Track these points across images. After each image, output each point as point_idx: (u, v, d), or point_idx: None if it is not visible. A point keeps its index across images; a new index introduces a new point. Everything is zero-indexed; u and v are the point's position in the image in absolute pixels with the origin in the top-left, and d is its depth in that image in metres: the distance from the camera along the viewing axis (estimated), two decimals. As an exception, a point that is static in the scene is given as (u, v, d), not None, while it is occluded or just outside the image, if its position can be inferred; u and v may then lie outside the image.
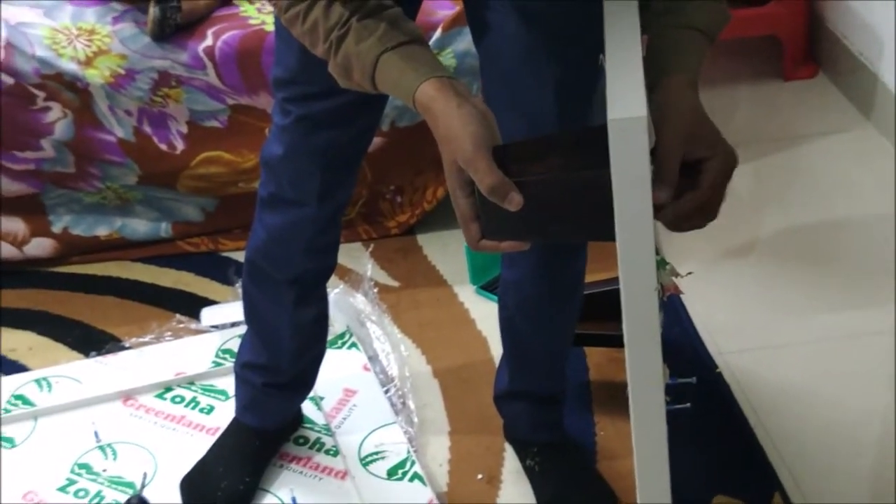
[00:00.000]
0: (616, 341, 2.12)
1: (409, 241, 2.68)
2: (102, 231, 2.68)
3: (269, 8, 2.54)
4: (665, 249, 2.57)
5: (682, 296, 2.39)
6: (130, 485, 2.03)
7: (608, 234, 1.12)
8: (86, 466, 2.08)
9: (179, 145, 2.58)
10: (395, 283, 2.55)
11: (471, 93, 1.24)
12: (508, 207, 1.17)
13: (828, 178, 2.87)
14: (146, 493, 2.01)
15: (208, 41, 2.49)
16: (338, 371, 2.24)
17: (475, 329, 2.39)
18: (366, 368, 2.26)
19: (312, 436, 2.10)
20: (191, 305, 2.49)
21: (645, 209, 1.09)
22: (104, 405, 2.21)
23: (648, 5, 1.31)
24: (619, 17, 1.25)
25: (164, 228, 2.70)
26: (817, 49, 3.31)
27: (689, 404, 1.31)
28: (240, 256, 2.54)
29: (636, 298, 1.12)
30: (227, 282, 2.54)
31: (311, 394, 2.12)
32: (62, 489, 2.03)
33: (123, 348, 2.38)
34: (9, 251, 2.63)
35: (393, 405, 2.17)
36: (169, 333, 2.41)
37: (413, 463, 2.03)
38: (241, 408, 2.01)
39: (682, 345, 2.29)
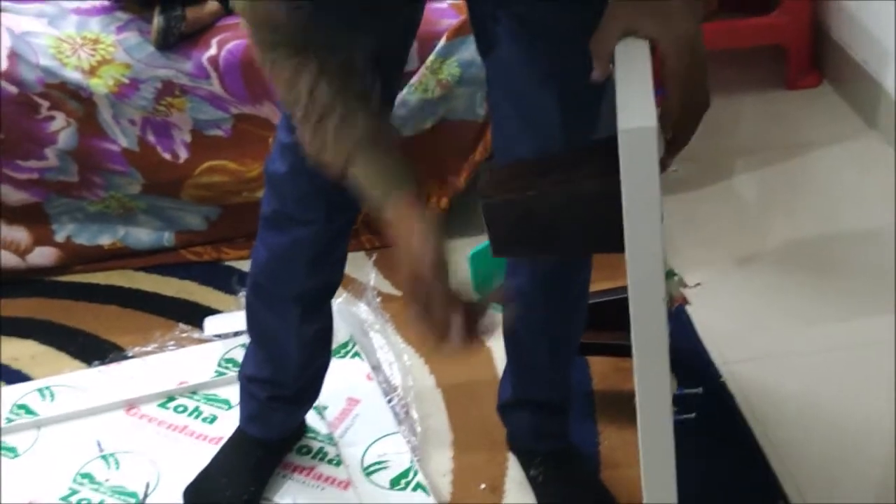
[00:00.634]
0: (621, 351, 2.13)
1: (412, 251, 2.67)
2: (105, 240, 2.68)
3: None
4: (670, 258, 2.57)
5: (689, 306, 2.39)
6: (133, 494, 2.03)
7: (616, 246, 1.11)
8: (88, 476, 2.07)
9: (183, 154, 2.58)
10: (399, 293, 2.54)
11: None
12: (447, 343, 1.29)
13: (832, 187, 2.86)
14: (149, 503, 2.00)
15: (212, 50, 2.49)
16: (341, 381, 2.23)
17: (478, 338, 2.37)
18: (369, 378, 2.26)
19: (315, 445, 2.09)
20: (194, 314, 2.49)
21: (654, 220, 1.09)
22: (107, 414, 2.21)
23: None
24: None
25: (168, 237, 2.70)
26: (821, 58, 3.31)
27: (693, 415, 1.31)
28: (243, 265, 2.55)
29: (645, 309, 1.12)
30: (231, 291, 2.54)
31: (315, 403, 2.12)
32: (64, 499, 2.03)
33: (126, 357, 2.38)
34: (12, 260, 2.63)
35: (396, 415, 2.17)
36: (172, 342, 2.41)
37: (416, 473, 2.02)
38: (245, 418, 2.00)
39: (686, 354, 2.28)
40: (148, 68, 2.49)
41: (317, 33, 1.31)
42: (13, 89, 2.47)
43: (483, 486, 2.03)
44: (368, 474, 2.04)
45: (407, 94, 2.49)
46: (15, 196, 2.60)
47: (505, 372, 2.00)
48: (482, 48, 1.60)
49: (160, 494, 2.03)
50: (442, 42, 2.48)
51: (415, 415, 2.18)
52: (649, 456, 1.18)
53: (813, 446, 2.07)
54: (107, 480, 2.06)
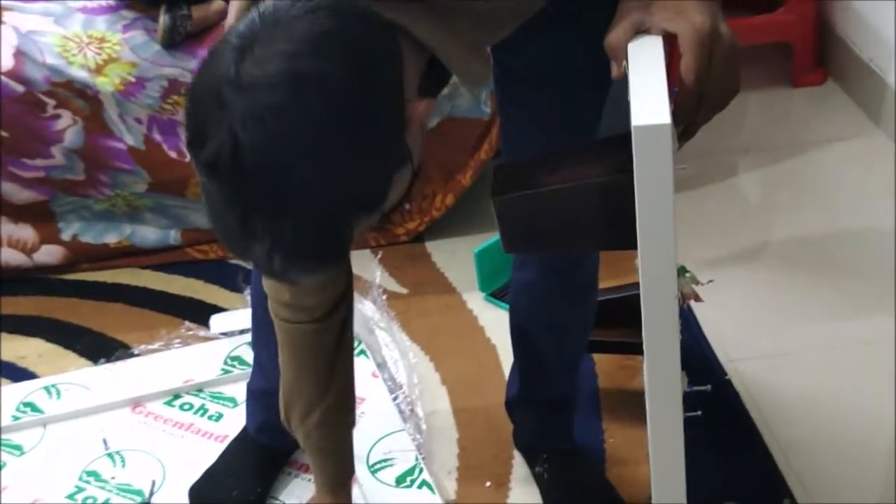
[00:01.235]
0: (629, 348, 2.13)
1: (417, 249, 2.68)
2: (112, 238, 2.69)
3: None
4: (678, 256, 2.57)
5: (690, 303, 2.39)
6: (139, 492, 2.03)
7: (627, 243, 1.11)
8: (94, 474, 2.08)
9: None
10: (404, 291, 2.54)
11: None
12: None
13: (837, 184, 2.86)
14: (155, 501, 2.01)
15: (217, 49, 2.49)
16: (346, 378, 2.24)
17: (484, 336, 2.38)
18: (374, 375, 2.26)
19: (321, 443, 2.10)
20: (200, 312, 2.49)
21: (668, 217, 1.08)
22: (113, 412, 2.22)
23: None
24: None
25: (174, 236, 2.70)
26: (827, 55, 3.30)
27: (699, 412, 1.30)
28: (249, 264, 2.54)
29: (657, 306, 1.11)
30: (236, 289, 2.54)
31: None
32: (70, 497, 2.03)
33: (132, 355, 2.38)
34: (18, 258, 2.64)
35: (401, 412, 2.17)
36: (178, 340, 2.41)
37: (421, 470, 2.03)
38: (255, 429, 2.00)
39: (692, 352, 2.28)
40: (154, 67, 2.49)
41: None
42: (19, 88, 2.47)
43: (488, 483, 2.03)
44: (374, 472, 2.04)
45: (412, 93, 2.49)
46: (21, 194, 2.60)
47: (512, 368, 2.00)
48: (494, 54, 1.59)
49: (166, 492, 2.03)
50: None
51: (420, 412, 2.18)
52: (659, 454, 1.18)
53: (818, 444, 2.07)
54: (113, 478, 2.07)
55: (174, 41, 2.48)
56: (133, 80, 2.49)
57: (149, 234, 2.69)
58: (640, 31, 1.21)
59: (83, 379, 2.31)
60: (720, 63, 1.21)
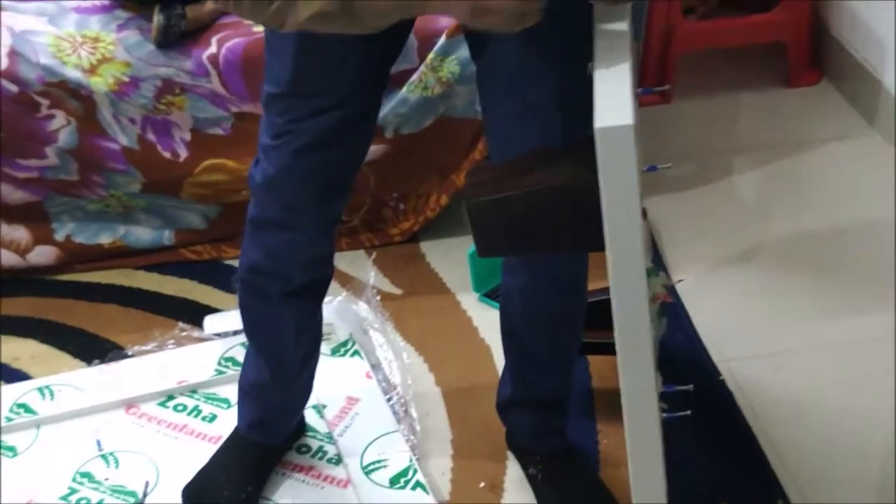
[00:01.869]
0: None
1: (412, 249, 2.68)
2: (105, 239, 2.68)
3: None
4: (669, 256, 2.57)
5: (684, 303, 2.39)
6: (132, 493, 2.03)
7: (599, 244, 1.12)
8: (88, 475, 2.08)
9: (183, 153, 2.58)
10: (398, 291, 2.54)
11: None
12: None
13: (831, 184, 2.86)
14: (148, 502, 2.01)
15: (212, 49, 2.49)
16: (340, 379, 2.24)
17: (478, 337, 2.38)
18: (368, 376, 2.26)
19: (315, 444, 2.10)
20: (193, 313, 2.49)
21: (634, 216, 1.09)
22: (106, 413, 2.21)
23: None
24: (609, 24, 1.25)
25: (167, 236, 2.70)
26: (821, 55, 3.30)
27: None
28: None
29: (627, 307, 1.12)
30: (230, 290, 2.54)
31: (314, 402, 2.13)
32: (64, 498, 2.03)
33: (126, 356, 2.38)
34: (12, 259, 2.63)
35: (395, 413, 2.17)
36: (171, 341, 2.41)
37: (415, 471, 2.03)
38: (246, 427, 2.00)
39: (685, 352, 2.28)
40: (148, 66, 2.49)
41: None
42: (13, 88, 2.47)
43: (482, 484, 2.03)
44: (368, 473, 2.04)
45: (407, 92, 2.49)
46: (15, 195, 2.60)
47: (504, 371, 2.00)
48: (475, 50, 1.60)
49: (159, 493, 2.03)
50: (442, 40, 2.48)
51: (414, 413, 2.18)
52: (636, 454, 1.19)
53: (812, 444, 2.07)
54: (106, 479, 2.07)
55: (168, 41, 2.48)
56: (127, 79, 2.48)
57: (143, 234, 2.69)
58: None
59: (77, 380, 2.30)
60: None
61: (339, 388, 2.21)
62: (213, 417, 2.19)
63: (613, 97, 1.10)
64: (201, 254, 2.70)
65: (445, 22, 2.50)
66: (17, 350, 2.42)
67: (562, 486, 1.97)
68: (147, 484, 2.04)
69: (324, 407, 2.17)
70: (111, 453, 2.12)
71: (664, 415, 1.36)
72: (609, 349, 2.14)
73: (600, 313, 1.96)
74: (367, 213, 2.68)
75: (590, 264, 1.82)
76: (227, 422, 2.10)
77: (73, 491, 2.04)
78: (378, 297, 2.50)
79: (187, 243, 2.70)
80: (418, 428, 2.15)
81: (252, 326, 1.88)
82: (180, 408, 2.22)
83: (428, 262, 2.63)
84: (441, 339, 2.38)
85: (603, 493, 1.96)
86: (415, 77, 2.49)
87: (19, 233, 2.64)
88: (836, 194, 2.81)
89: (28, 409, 2.23)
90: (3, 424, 2.19)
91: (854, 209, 2.74)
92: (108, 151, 2.57)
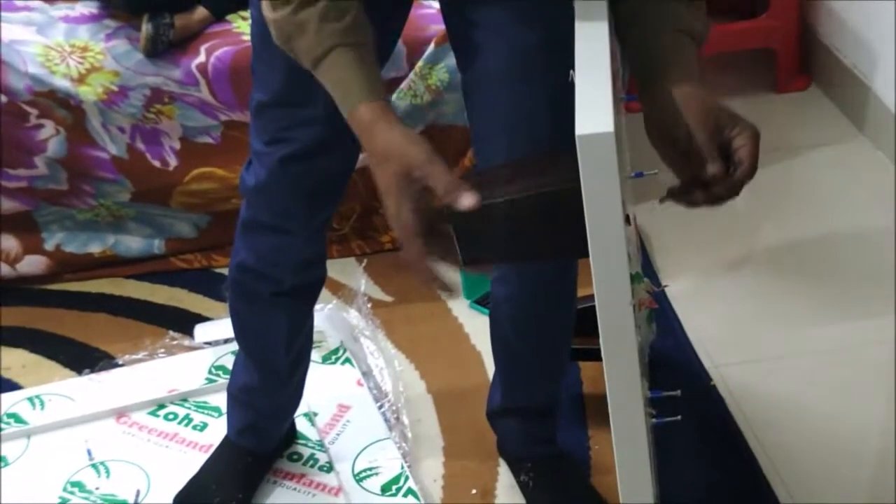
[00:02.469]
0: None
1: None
2: (95, 248, 2.68)
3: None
4: (660, 262, 2.57)
5: (675, 308, 2.39)
6: (124, 502, 2.02)
7: (582, 252, 1.12)
8: (78, 484, 2.07)
9: (172, 162, 2.58)
10: (389, 299, 2.54)
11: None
12: (462, 206, 1.17)
13: (821, 190, 2.87)
14: (139, 511, 2.01)
15: (201, 57, 2.49)
16: (331, 387, 2.23)
17: (469, 344, 2.38)
18: (359, 384, 2.26)
19: (306, 452, 2.09)
20: (184, 322, 2.48)
21: (616, 223, 1.09)
22: (97, 423, 2.21)
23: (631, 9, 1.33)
24: (589, 32, 1.25)
25: (158, 245, 2.69)
26: (810, 61, 3.31)
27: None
28: (233, 273, 2.54)
29: (612, 314, 1.12)
30: (221, 298, 2.53)
31: (305, 409, 2.12)
32: (55, 507, 2.03)
33: (116, 365, 2.37)
34: (2, 269, 2.63)
35: (387, 421, 2.17)
36: (162, 350, 2.41)
37: (407, 478, 2.02)
38: (236, 433, 1.99)
39: (676, 357, 2.29)
40: (137, 76, 2.49)
41: None
42: (2, 98, 2.47)
43: (474, 491, 2.03)
44: (359, 480, 2.03)
45: (396, 100, 2.49)
46: (4, 205, 2.59)
47: (494, 379, 2.00)
48: (462, 58, 1.59)
49: (150, 502, 2.02)
50: (431, 48, 2.48)
51: (406, 420, 2.18)
52: (624, 459, 1.19)
53: (804, 449, 2.07)
54: (97, 489, 2.06)
55: (157, 50, 2.48)
56: (116, 89, 2.48)
57: (132, 243, 2.69)
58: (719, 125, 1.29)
59: (67, 389, 2.30)
60: None
61: (330, 395, 2.21)
62: (204, 426, 2.19)
63: (594, 103, 1.10)
64: (192, 262, 2.69)
65: (434, 30, 2.50)
66: (8, 360, 2.42)
67: (553, 492, 1.96)
68: (138, 493, 2.04)
69: (315, 414, 2.17)
70: (102, 462, 2.11)
71: (653, 420, 1.36)
72: (598, 355, 2.16)
73: (589, 319, 1.97)
74: (358, 221, 2.68)
75: (579, 270, 1.82)
76: (218, 430, 2.09)
77: (65, 501, 2.04)
78: (369, 305, 2.49)
79: (177, 252, 2.70)
80: (410, 435, 2.15)
81: (242, 329, 1.88)
82: (171, 417, 2.22)
83: (418, 270, 2.62)
84: (432, 346, 2.38)
85: (594, 498, 1.96)
86: (404, 85, 2.50)
87: (9, 242, 2.63)
88: (826, 200, 2.82)
89: (18, 419, 2.22)
90: (-6, 434, 2.18)
91: (844, 215, 2.75)
92: (98, 161, 2.57)
